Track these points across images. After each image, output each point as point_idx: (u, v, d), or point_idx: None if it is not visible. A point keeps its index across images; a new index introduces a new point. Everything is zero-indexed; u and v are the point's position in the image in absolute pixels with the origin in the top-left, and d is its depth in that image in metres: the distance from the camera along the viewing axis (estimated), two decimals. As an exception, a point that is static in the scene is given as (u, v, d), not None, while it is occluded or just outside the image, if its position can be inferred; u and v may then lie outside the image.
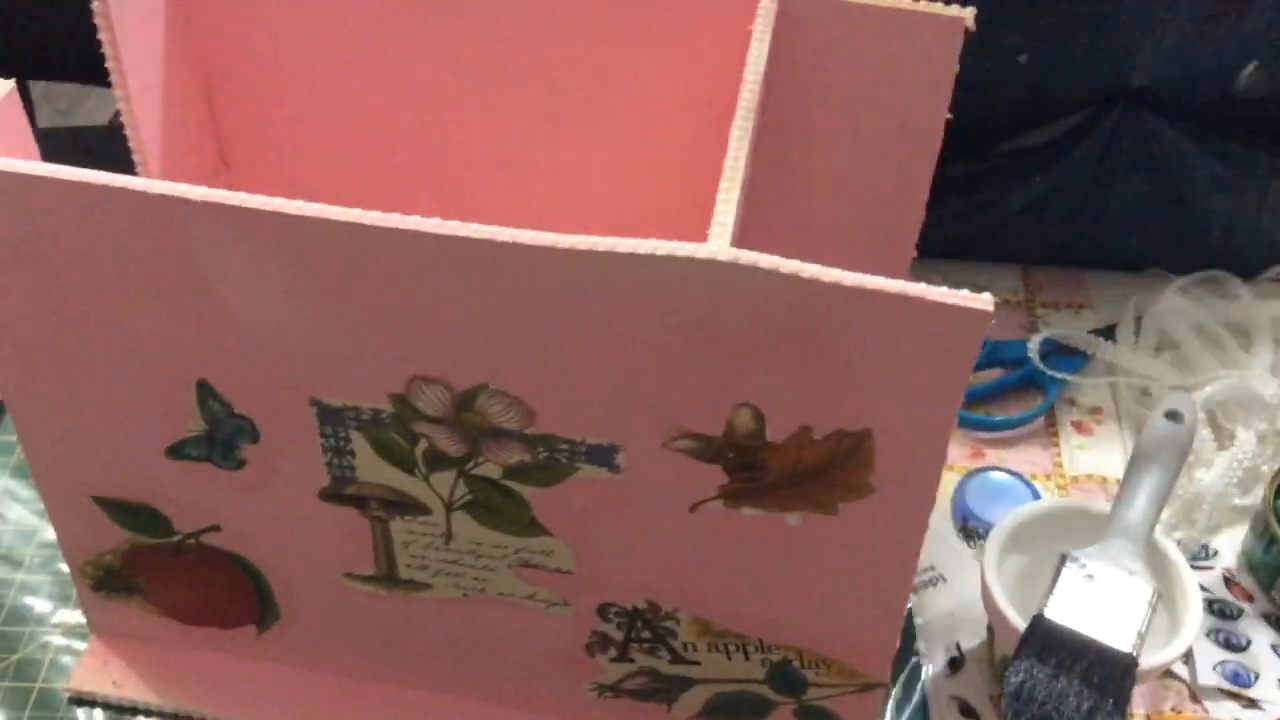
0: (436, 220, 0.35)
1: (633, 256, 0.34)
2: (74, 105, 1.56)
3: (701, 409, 0.38)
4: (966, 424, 0.66)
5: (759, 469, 0.39)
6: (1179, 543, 0.60)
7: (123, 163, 0.46)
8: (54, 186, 0.36)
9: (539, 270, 0.35)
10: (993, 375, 0.68)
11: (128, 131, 0.48)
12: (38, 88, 1.27)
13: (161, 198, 0.36)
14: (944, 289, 0.34)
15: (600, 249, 0.35)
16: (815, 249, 0.51)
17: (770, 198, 0.48)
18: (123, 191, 0.36)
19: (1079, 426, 0.67)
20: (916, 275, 0.72)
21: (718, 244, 0.35)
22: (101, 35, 0.45)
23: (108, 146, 0.53)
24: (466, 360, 0.38)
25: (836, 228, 0.51)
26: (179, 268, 0.37)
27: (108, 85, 0.46)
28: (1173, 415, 0.57)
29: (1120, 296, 0.73)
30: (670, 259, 0.34)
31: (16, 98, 0.39)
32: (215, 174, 0.54)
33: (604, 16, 0.47)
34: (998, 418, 0.66)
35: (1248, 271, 0.72)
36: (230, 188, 0.54)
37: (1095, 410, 0.67)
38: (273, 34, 0.50)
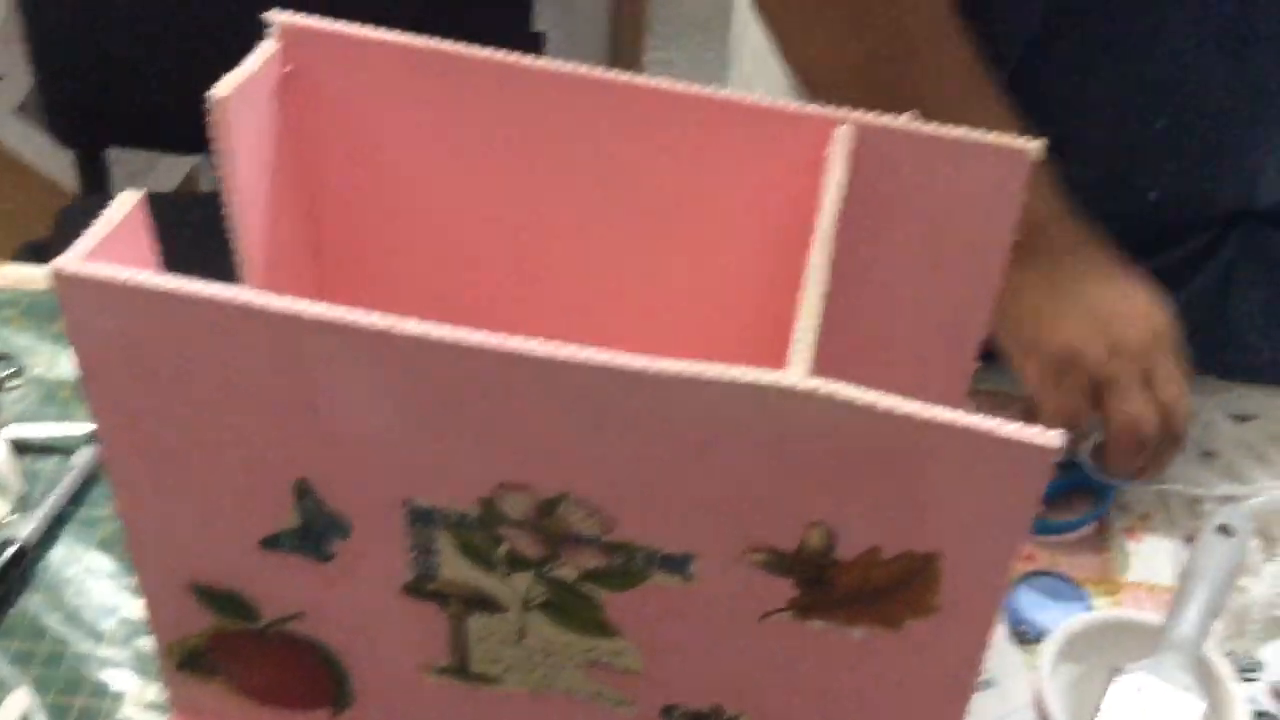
0: (532, 342, 0.37)
1: (716, 383, 0.36)
2: (146, 170, 1.62)
3: (775, 525, 0.40)
4: (1019, 527, 0.67)
5: (828, 584, 0.41)
6: (1230, 654, 0.60)
7: (192, 228, 0.49)
8: (171, 299, 0.39)
9: (624, 391, 0.37)
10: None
11: (232, 225, 0.50)
12: (111, 153, 1.32)
13: (275, 314, 0.38)
14: (1013, 425, 0.36)
15: (686, 374, 0.37)
16: (884, 364, 0.54)
17: (841, 317, 0.50)
18: (237, 306, 0.38)
19: (1130, 533, 0.68)
20: (977, 376, 0.74)
21: (797, 373, 0.37)
22: (216, 141, 0.47)
23: (176, 214, 0.55)
24: (551, 470, 0.40)
25: (904, 345, 0.52)
26: (286, 376, 0.40)
27: (177, 153, 0.48)
28: (1225, 529, 0.58)
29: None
30: (752, 386, 0.36)
31: (143, 209, 0.42)
32: (308, 270, 0.56)
33: (687, 140, 0.49)
34: (1051, 521, 0.68)
35: None
36: (324, 285, 0.57)
37: (1145, 517, 0.68)
38: (376, 143, 0.52)
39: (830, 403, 0.36)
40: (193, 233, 0.60)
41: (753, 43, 0.80)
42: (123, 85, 1.24)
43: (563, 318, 0.54)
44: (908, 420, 0.36)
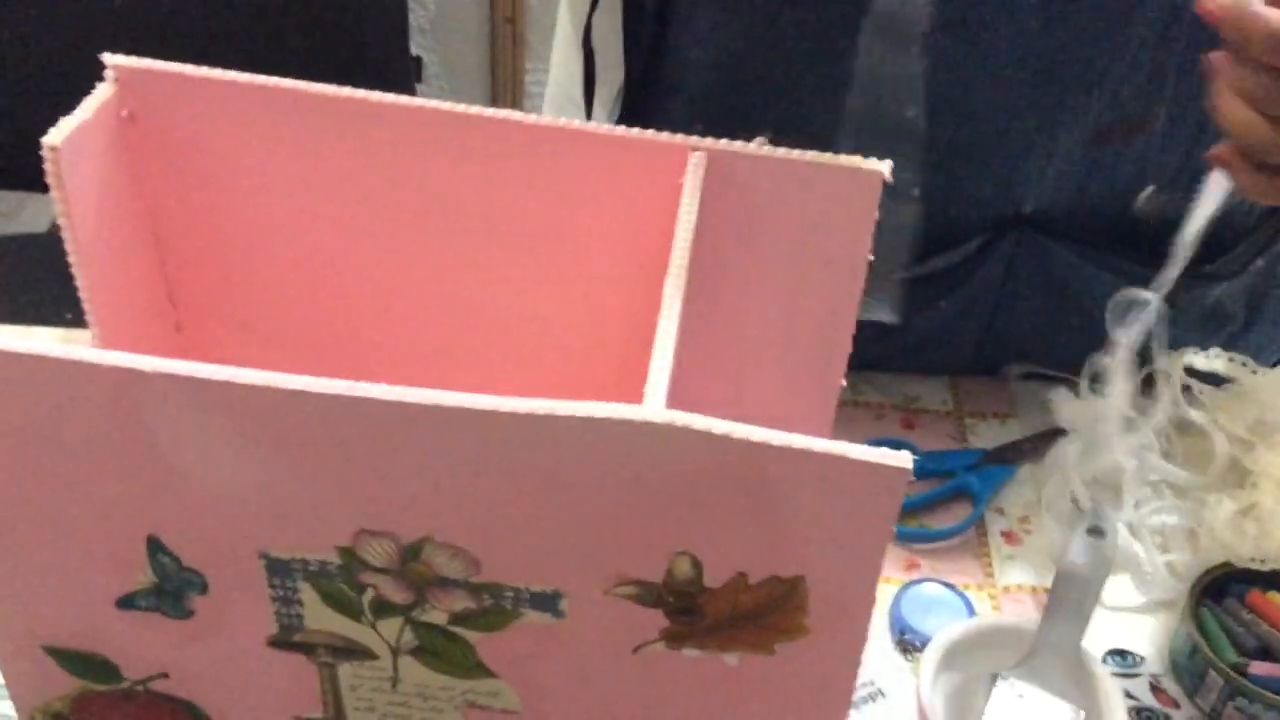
0: (381, 386, 0.36)
1: (571, 419, 0.36)
2: (15, 210, 1.57)
3: (641, 557, 0.40)
4: (901, 536, 0.68)
5: (698, 613, 0.41)
6: (1107, 654, 0.62)
7: (64, 268, 0.47)
8: (6, 360, 0.37)
9: (479, 432, 0.37)
10: (926, 486, 0.71)
11: (76, 275, 0.49)
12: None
13: (114, 369, 0.37)
14: (865, 447, 0.36)
15: (540, 413, 0.36)
16: (752, 386, 0.54)
17: (708, 341, 0.50)
18: (74, 364, 0.37)
19: (1008, 536, 0.69)
20: (853, 388, 0.76)
21: (652, 406, 0.37)
22: (53, 189, 0.46)
23: (48, 253, 0.53)
24: (412, 514, 0.39)
25: (771, 365, 0.53)
26: (130, 432, 0.38)
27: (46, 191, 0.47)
28: (1095, 531, 0.59)
29: (1044, 404, 0.76)
30: (607, 421, 0.36)
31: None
32: (163, 314, 0.55)
33: (545, 172, 0.49)
34: (930, 529, 0.69)
35: None
36: (179, 329, 0.56)
37: (1024, 520, 0.70)
38: (222, 184, 0.51)
39: (687, 434, 0.36)
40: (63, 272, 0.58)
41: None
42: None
43: (425, 353, 0.54)
44: (763, 448, 0.36)
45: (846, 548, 0.38)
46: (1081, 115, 0.66)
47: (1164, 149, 0.67)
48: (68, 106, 0.47)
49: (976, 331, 0.74)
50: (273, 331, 0.55)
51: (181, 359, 0.56)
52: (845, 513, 0.37)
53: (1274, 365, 0.83)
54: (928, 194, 0.67)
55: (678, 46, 0.68)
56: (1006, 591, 0.66)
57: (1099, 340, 0.75)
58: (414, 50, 1.52)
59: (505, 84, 1.57)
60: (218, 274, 0.54)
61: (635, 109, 0.71)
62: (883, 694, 0.61)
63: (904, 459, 0.36)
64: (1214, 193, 0.54)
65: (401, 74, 1.36)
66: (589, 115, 0.74)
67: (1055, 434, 0.74)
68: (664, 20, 0.69)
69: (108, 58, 0.49)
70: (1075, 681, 0.54)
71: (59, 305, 0.63)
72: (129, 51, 0.49)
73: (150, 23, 1.21)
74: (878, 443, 0.74)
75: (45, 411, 0.38)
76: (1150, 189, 0.68)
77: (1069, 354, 0.76)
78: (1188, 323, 0.74)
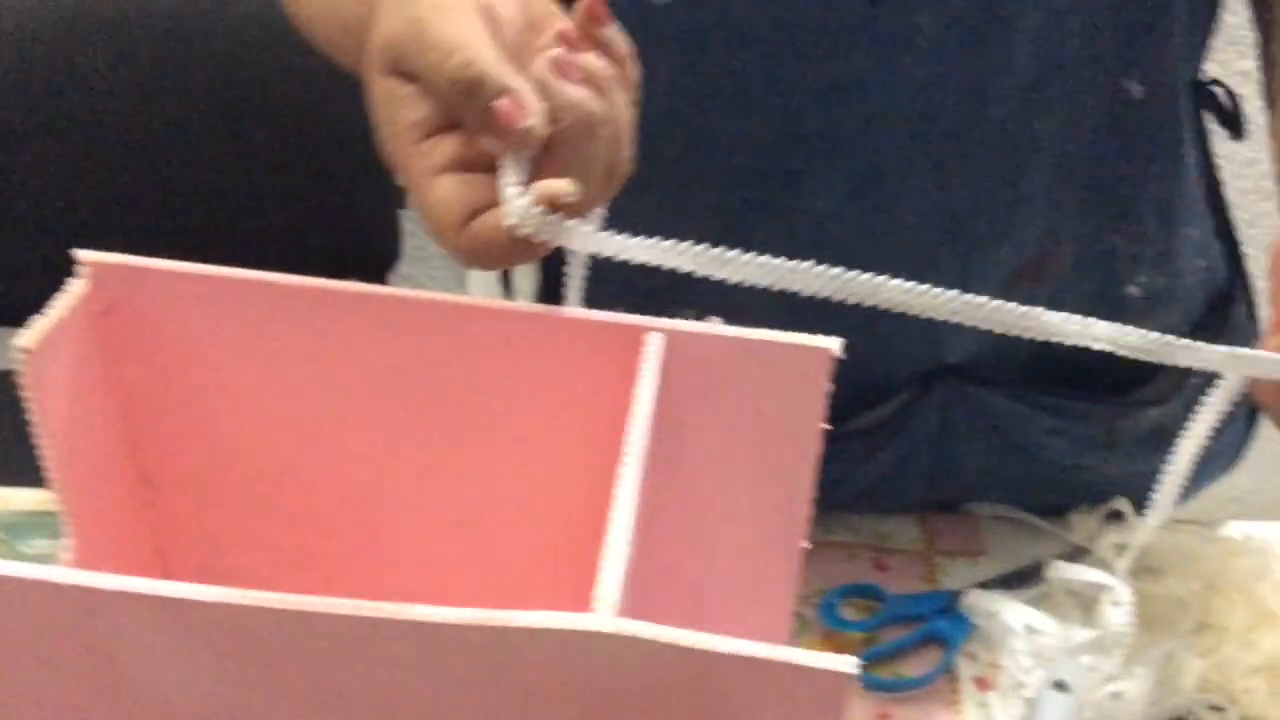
0: (333, 600, 0.37)
1: (519, 630, 0.37)
2: None
3: (595, 758, 0.40)
4: (871, 685, 0.68)
5: (652, 811, 0.41)
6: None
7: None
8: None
9: (428, 642, 0.38)
10: (897, 632, 0.71)
11: (47, 463, 0.50)
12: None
13: (72, 587, 0.38)
14: (809, 653, 0.37)
15: (489, 624, 0.37)
16: (716, 561, 0.55)
17: (667, 518, 0.52)
18: (31, 582, 0.38)
19: (979, 682, 0.69)
20: (824, 526, 0.76)
21: (602, 616, 0.38)
22: (27, 390, 0.47)
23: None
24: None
25: (733, 538, 0.54)
26: (90, 650, 0.39)
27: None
28: (1060, 685, 0.59)
29: (1015, 541, 0.77)
30: (556, 631, 0.37)
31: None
32: (135, 493, 0.56)
33: (506, 352, 0.51)
34: (902, 678, 0.69)
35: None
36: (152, 507, 0.57)
37: (995, 665, 0.70)
38: (198, 376, 0.53)
39: (635, 642, 0.37)
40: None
41: None
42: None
43: (390, 533, 0.54)
44: (710, 655, 0.37)
45: (795, 748, 0.39)
46: (992, 264, 0.67)
47: (1078, 280, 0.68)
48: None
49: (920, 480, 0.75)
50: (243, 508, 0.56)
51: (153, 538, 0.58)
52: (791, 716, 0.38)
53: (1224, 473, 0.84)
54: (851, 354, 0.68)
55: None
56: (979, 740, 0.66)
57: (1048, 477, 0.76)
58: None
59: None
60: (190, 455, 0.55)
61: (553, 293, 0.73)
62: None
63: (847, 663, 0.37)
64: (1218, 405, 0.55)
65: (385, 199, 1.38)
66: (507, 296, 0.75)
67: (1025, 573, 0.74)
68: None
69: (81, 254, 0.50)
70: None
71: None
72: (103, 244, 0.51)
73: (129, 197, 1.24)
74: (850, 589, 0.75)
75: (7, 630, 0.39)
76: None
77: (1019, 490, 0.77)
78: (1131, 445, 0.75)
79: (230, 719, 0.40)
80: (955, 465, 0.75)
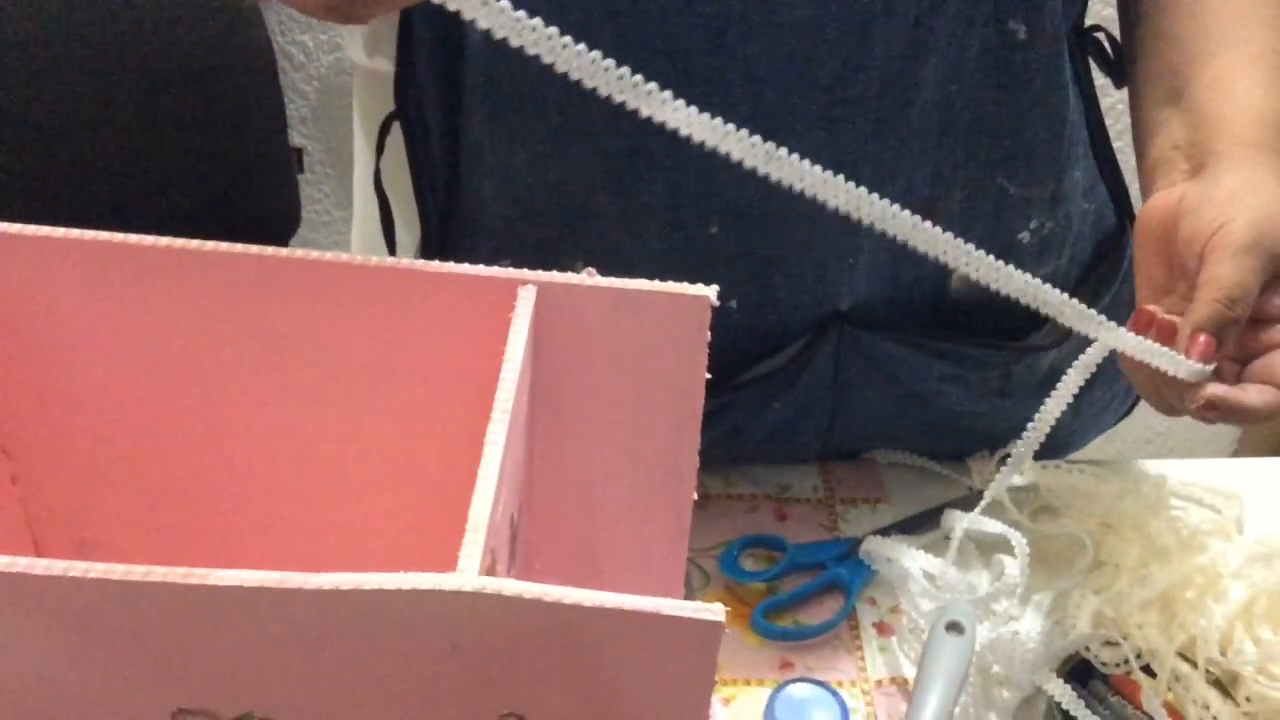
0: (184, 570, 0.36)
1: (380, 592, 0.36)
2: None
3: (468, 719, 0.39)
4: (773, 634, 0.68)
5: (530, 770, 0.40)
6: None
7: None
8: None
9: (289, 609, 0.36)
10: (798, 580, 0.71)
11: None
12: None
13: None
14: (677, 602, 0.36)
15: (347, 587, 0.36)
16: (603, 513, 0.54)
17: (552, 473, 0.51)
18: None
19: (880, 627, 0.69)
20: (725, 479, 0.76)
21: (466, 574, 0.37)
22: None
23: None
24: (230, 691, 0.39)
25: (619, 490, 0.53)
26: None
27: None
28: (954, 626, 0.59)
29: (915, 487, 0.77)
30: (419, 592, 0.36)
31: None
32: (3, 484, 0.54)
33: (374, 307, 0.49)
34: (803, 626, 0.69)
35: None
36: (14, 481, 0.55)
37: (895, 610, 0.70)
38: (50, 333, 0.50)
39: (499, 600, 0.36)
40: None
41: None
42: None
43: (261, 492, 0.53)
44: (576, 609, 0.36)
45: (670, 701, 0.38)
46: None
47: (966, 228, 0.68)
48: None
49: (818, 428, 0.75)
50: (111, 477, 0.54)
51: (20, 513, 0.55)
52: (665, 667, 0.37)
53: (1119, 420, 0.85)
54: (742, 303, 0.67)
55: (472, 183, 0.68)
56: (880, 685, 0.66)
57: (946, 424, 0.76)
58: (295, 140, 1.51)
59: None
60: (51, 425, 0.53)
61: (439, 250, 0.71)
62: (758, 801, 0.61)
63: (716, 611, 0.36)
64: (1094, 356, 0.57)
65: (283, 165, 1.35)
66: (392, 254, 0.74)
67: (925, 517, 0.75)
68: (454, 157, 0.68)
69: (-81, 219, 0.48)
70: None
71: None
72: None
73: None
74: (750, 540, 0.74)
75: None
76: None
77: (917, 438, 0.78)
78: (1027, 390, 0.75)
79: (75, 693, 0.39)
80: (852, 413, 0.74)
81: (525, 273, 0.49)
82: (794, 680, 0.65)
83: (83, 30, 1.19)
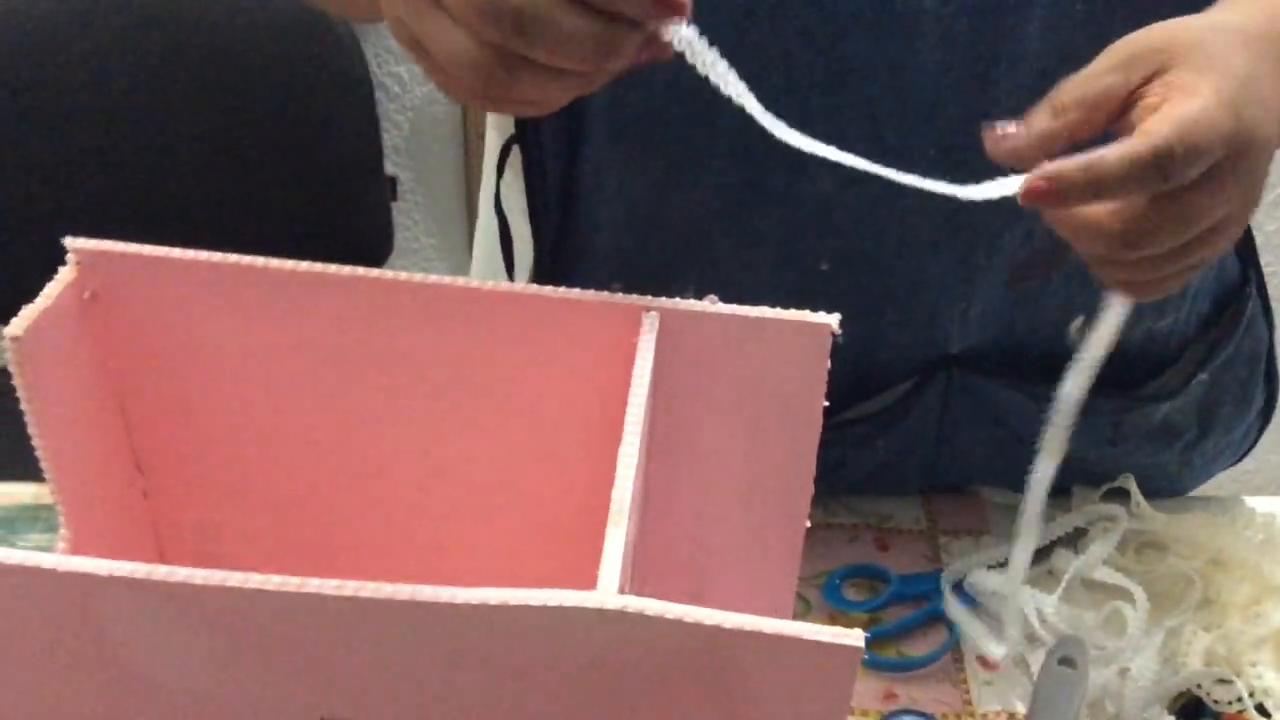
0: (334, 582, 0.37)
1: (522, 608, 0.36)
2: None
3: (602, 737, 0.40)
4: (876, 665, 0.68)
5: (660, 790, 0.41)
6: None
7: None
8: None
9: (431, 622, 0.37)
10: (901, 612, 0.71)
11: (39, 452, 0.49)
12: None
13: (63, 574, 0.37)
14: (817, 626, 0.37)
15: (491, 602, 0.36)
16: (717, 538, 0.54)
17: (668, 498, 0.51)
18: (27, 570, 0.37)
19: (984, 661, 0.69)
20: (826, 509, 0.76)
21: (605, 592, 0.37)
22: (16, 377, 0.47)
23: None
24: (371, 703, 0.40)
25: (734, 518, 0.53)
26: (83, 634, 0.38)
27: None
28: (1067, 661, 0.59)
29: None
30: (563, 609, 0.36)
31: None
32: (131, 483, 0.55)
33: (498, 337, 0.50)
34: (907, 657, 0.68)
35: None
36: (147, 496, 0.56)
37: (999, 645, 0.69)
38: (188, 361, 0.52)
39: (641, 619, 0.36)
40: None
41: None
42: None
43: (390, 513, 0.54)
44: (717, 631, 0.36)
45: (804, 722, 0.38)
46: (997, 256, 0.66)
47: (1086, 278, 0.68)
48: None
49: (920, 467, 0.75)
50: (240, 494, 0.55)
51: (149, 527, 0.57)
52: (799, 690, 0.37)
53: (1231, 465, 0.84)
54: (851, 342, 0.67)
55: (588, 208, 0.69)
56: (984, 719, 0.66)
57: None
58: (389, 169, 1.54)
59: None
60: (184, 442, 0.55)
61: (552, 272, 0.72)
62: (864, 832, 0.61)
63: (856, 637, 0.36)
64: (1114, 315, 0.55)
65: (376, 193, 1.38)
66: (510, 278, 0.75)
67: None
68: (571, 182, 0.69)
69: (69, 241, 0.49)
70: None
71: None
72: (92, 230, 0.50)
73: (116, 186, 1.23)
74: (853, 569, 0.74)
75: (2, 617, 0.38)
76: (1080, 319, 0.68)
77: (1022, 476, 0.77)
78: (1138, 439, 0.74)
79: (226, 703, 0.40)
80: (956, 453, 0.74)
81: (649, 299, 0.49)
82: (899, 712, 0.65)
83: (182, 50, 1.23)
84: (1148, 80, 0.50)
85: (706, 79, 0.47)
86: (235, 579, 0.37)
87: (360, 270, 0.50)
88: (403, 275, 0.50)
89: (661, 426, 0.51)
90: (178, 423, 0.54)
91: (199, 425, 0.54)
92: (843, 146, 0.51)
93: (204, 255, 0.50)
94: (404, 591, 0.37)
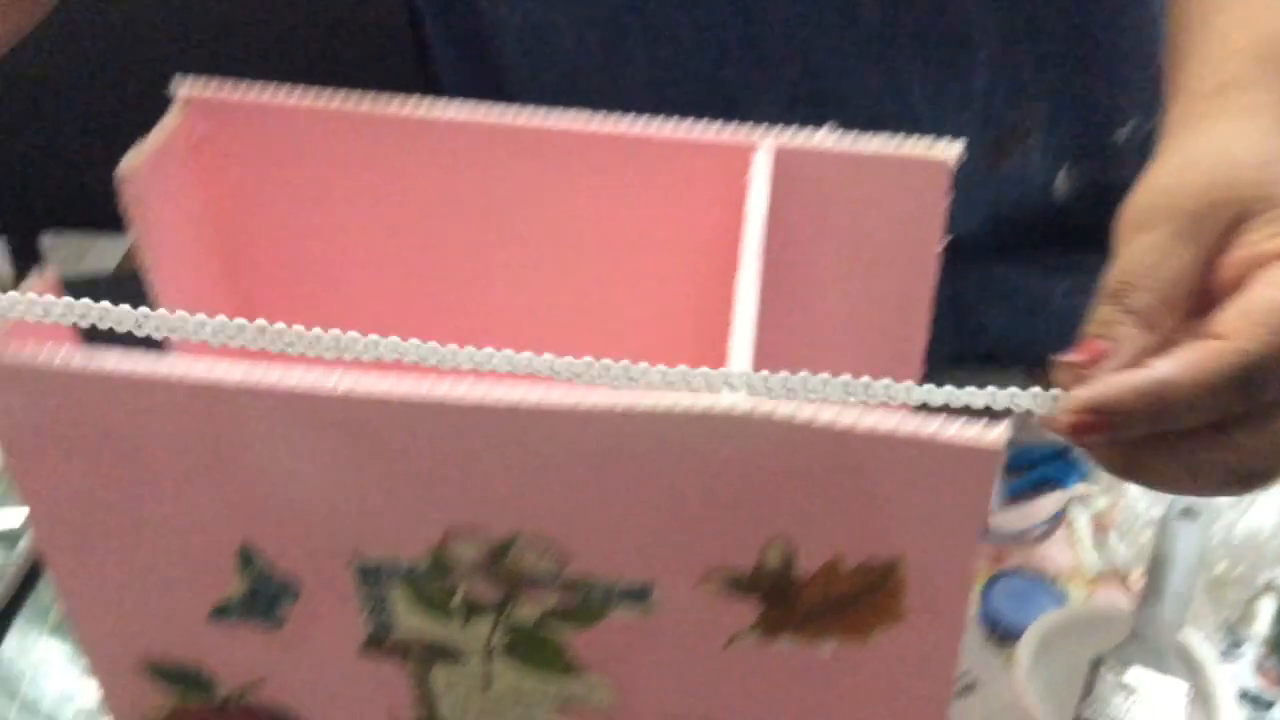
0: (464, 387, 0.37)
1: (651, 413, 0.36)
2: (80, 254, 1.60)
3: (731, 547, 0.39)
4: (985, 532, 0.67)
5: (791, 601, 0.40)
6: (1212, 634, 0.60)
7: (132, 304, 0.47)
8: (87, 378, 0.38)
9: (563, 429, 0.37)
10: (1009, 479, 0.70)
11: (152, 295, 0.49)
12: (45, 239, 1.30)
13: (196, 384, 0.37)
14: (955, 428, 0.36)
15: (620, 408, 0.36)
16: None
17: (780, 339, 0.50)
18: (155, 380, 0.37)
19: (1096, 524, 0.67)
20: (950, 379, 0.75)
21: (734, 397, 0.37)
22: (131, 216, 0.47)
23: (115, 293, 0.54)
24: (500, 512, 0.40)
25: (846, 360, 0.52)
26: (216, 444, 0.39)
27: (112, 233, 0.48)
28: (1188, 513, 0.58)
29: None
30: (688, 414, 0.36)
31: (58, 289, 0.41)
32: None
33: (607, 178, 0.49)
34: (1015, 528, 0.67)
35: None
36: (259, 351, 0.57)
37: (1112, 507, 0.68)
38: (292, 203, 0.52)
39: (769, 423, 0.36)
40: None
41: None
42: (50, 167, 1.22)
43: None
44: (848, 433, 0.36)
45: (941, 528, 0.37)
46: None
47: (1059, 135, 0.64)
48: (123, 147, 0.47)
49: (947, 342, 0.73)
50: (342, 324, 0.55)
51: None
52: (937, 494, 0.37)
53: None
54: None
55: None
56: (1099, 579, 0.65)
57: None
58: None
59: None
60: (287, 287, 0.55)
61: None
62: (976, 688, 0.60)
63: (996, 439, 0.36)
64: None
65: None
66: None
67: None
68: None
69: (179, 83, 0.49)
70: (1177, 664, 0.53)
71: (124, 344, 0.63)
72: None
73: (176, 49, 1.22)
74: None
75: (130, 428, 0.39)
76: (1063, 170, 0.65)
77: (1039, 351, 0.73)
78: None
79: (349, 509, 0.40)
80: (977, 334, 0.72)
81: (760, 134, 0.48)
82: (1009, 572, 0.65)
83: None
84: (1223, 238, 0.39)
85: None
86: (363, 387, 0.37)
87: (466, 114, 0.49)
88: (509, 118, 0.49)
89: (771, 266, 0.50)
90: (281, 265, 0.54)
91: (302, 270, 0.54)
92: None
93: (304, 100, 0.50)
94: (534, 396, 0.36)
